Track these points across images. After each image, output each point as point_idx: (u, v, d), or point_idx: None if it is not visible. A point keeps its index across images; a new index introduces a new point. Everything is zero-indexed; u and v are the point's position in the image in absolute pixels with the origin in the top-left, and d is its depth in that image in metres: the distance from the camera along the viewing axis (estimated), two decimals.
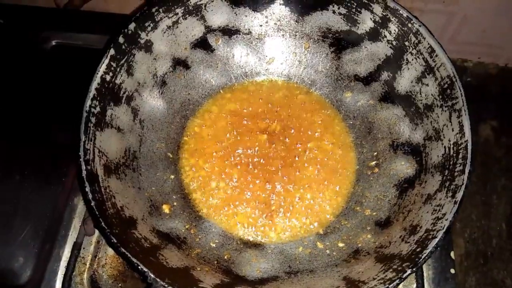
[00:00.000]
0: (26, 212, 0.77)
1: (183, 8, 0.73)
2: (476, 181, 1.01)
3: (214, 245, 0.68)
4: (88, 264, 0.73)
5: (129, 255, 0.53)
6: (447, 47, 1.12)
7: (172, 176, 0.73)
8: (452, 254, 0.76)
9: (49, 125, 0.86)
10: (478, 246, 0.94)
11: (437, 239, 0.54)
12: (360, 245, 0.65)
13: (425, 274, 0.72)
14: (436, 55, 0.66)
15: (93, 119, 0.63)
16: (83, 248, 0.73)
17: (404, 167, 0.70)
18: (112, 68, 0.67)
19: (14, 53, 0.94)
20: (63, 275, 0.71)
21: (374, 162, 0.74)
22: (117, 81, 0.68)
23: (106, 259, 0.73)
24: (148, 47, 0.72)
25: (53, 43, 0.95)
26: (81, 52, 0.93)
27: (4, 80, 0.91)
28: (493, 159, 1.05)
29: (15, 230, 0.75)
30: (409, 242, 0.58)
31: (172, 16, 0.73)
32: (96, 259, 0.73)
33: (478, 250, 0.93)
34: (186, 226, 0.68)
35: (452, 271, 0.75)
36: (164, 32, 0.73)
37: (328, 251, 0.66)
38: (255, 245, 0.69)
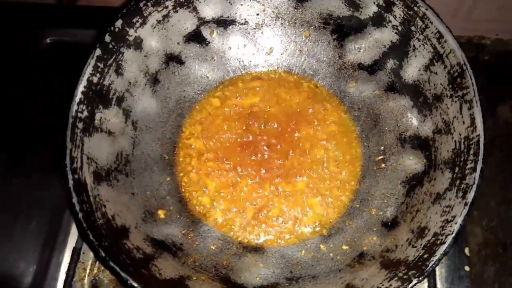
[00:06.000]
0: (26, 217, 0.76)
1: (173, 0, 0.69)
2: (495, 166, 0.95)
3: (212, 250, 0.65)
4: (88, 269, 0.72)
5: (118, 270, 0.51)
6: (463, 25, 1.06)
7: (168, 178, 0.71)
8: (466, 250, 0.72)
9: (47, 126, 0.84)
10: (497, 234, 0.89)
11: (445, 245, 0.50)
12: (365, 248, 0.61)
13: (437, 273, 0.69)
14: (445, 41, 0.61)
15: (80, 125, 0.60)
16: (83, 253, 0.72)
17: (412, 162, 0.65)
18: (100, 69, 0.63)
19: (7, 53, 0.92)
20: (63, 281, 0.69)
21: (380, 157, 0.70)
22: (106, 82, 0.64)
23: None
24: (137, 44, 0.68)
25: (48, 40, 0.92)
26: (78, 49, 0.90)
27: None
28: None
29: (15, 236, 0.74)
30: (416, 247, 0.54)
31: (162, 9, 0.69)
32: (96, 263, 0.71)
33: (497, 239, 0.88)
34: (183, 231, 0.66)
35: (467, 268, 0.71)
36: (154, 27, 0.69)
37: (331, 255, 0.63)
38: (256, 249, 0.66)
